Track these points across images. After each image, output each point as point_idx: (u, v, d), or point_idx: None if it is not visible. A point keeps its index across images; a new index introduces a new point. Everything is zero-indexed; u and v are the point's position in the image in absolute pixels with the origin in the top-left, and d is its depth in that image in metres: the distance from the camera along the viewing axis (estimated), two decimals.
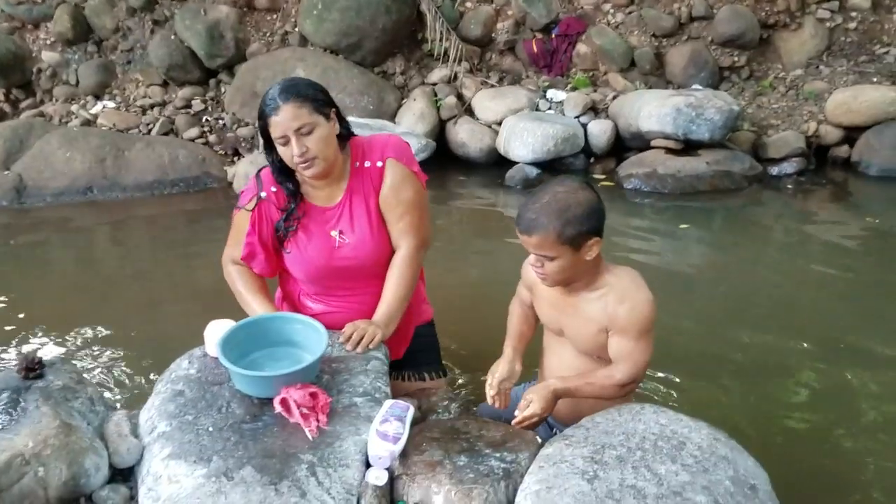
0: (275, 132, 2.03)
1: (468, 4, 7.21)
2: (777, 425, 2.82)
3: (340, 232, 2.20)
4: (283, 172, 2.16)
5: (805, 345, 3.36)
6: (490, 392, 2.04)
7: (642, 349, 1.88)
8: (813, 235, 5.08)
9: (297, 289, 2.38)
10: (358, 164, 2.20)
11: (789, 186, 5.92)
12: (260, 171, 2.26)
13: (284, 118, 1.99)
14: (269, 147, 2.12)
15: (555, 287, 1.95)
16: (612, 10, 7.09)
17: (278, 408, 1.82)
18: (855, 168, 6.08)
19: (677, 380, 3.02)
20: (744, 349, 3.34)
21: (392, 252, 2.26)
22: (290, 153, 2.04)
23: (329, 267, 2.22)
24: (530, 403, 1.90)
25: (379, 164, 2.18)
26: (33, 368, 1.89)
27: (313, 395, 1.84)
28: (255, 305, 2.23)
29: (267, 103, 2.03)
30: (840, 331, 3.49)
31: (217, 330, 2.07)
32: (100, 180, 6.06)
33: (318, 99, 2.05)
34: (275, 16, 7.24)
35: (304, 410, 1.80)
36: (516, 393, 2.15)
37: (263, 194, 2.21)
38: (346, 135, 2.18)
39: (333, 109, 2.11)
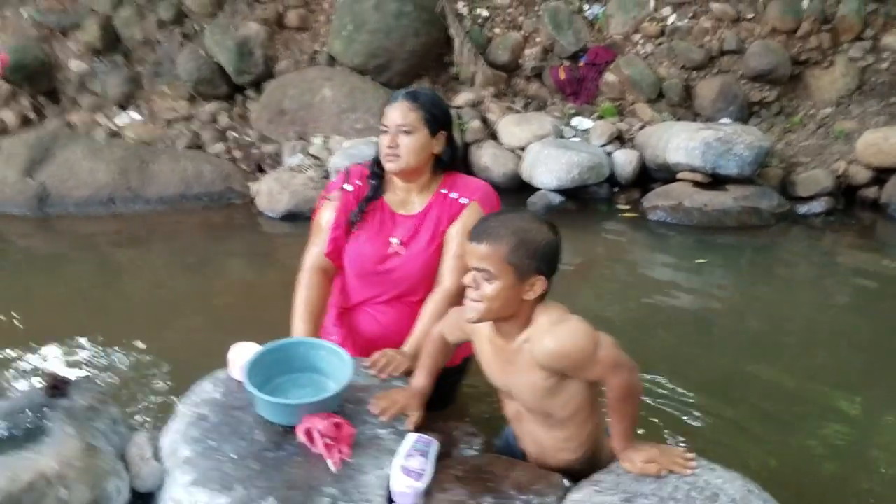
0: (384, 120, 2.22)
1: (496, 30, 7.22)
2: (809, 475, 2.75)
3: (401, 242, 2.29)
4: (377, 163, 2.31)
5: (831, 389, 3.29)
6: (383, 418, 1.94)
7: (604, 358, 1.71)
8: (840, 277, 5.00)
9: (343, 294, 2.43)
10: (445, 191, 2.30)
11: (817, 226, 5.83)
12: (350, 166, 2.43)
13: (395, 111, 2.20)
14: None
15: (474, 324, 1.81)
16: (641, 41, 7.06)
17: (301, 437, 1.79)
18: (884, 210, 5.97)
19: (702, 423, 2.96)
20: (770, 392, 3.27)
21: (434, 284, 2.29)
22: (384, 142, 2.22)
23: (375, 271, 2.30)
24: None
25: (463, 200, 2.27)
26: (58, 387, 1.88)
27: (338, 426, 1.80)
28: (298, 324, 2.26)
29: (394, 94, 2.27)
30: (867, 375, 3.43)
31: (241, 353, 2.05)
32: (123, 192, 6.06)
33: (432, 113, 2.22)
34: (304, 35, 7.27)
35: (328, 441, 1.76)
36: (508, 434, 2.10)
37: (349, 186, 2.34)
38: (446, 161, 2.31)
39: (444, 132, 2.27)
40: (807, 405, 3.18)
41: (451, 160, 2.33)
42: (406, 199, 2.32)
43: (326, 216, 2.35)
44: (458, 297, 2.19)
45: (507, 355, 1.81)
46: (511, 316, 1.76)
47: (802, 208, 5.98)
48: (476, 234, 1.72)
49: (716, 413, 3.06)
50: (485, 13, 7.26)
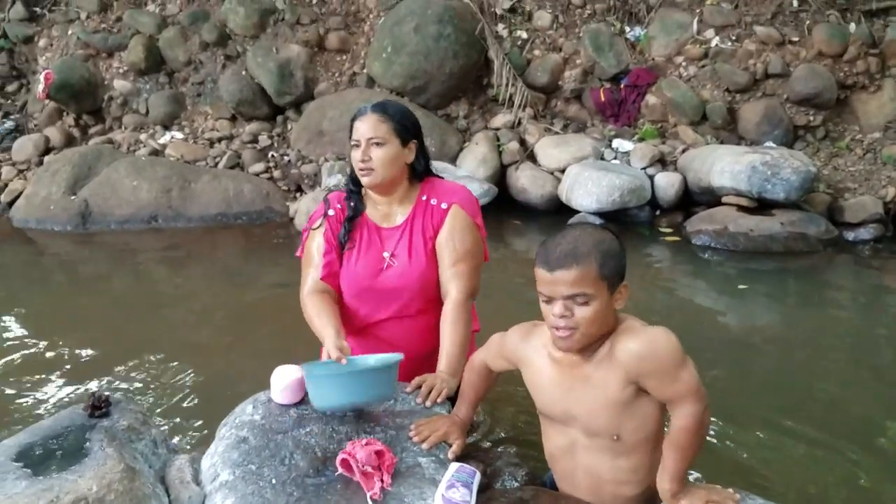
0: (354, 134, 2.21)
1: (536, 52, 7.20)
2: None
3: (392, 254, 2.26)
4: (353, 179, 2.31)
5: (876, 421, 3.16)
6: (424, 446, 1.88)
7: (688, 376, 1.62)
8: (888, 307, 4.83)
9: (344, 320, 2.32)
10: (425, 198, 2.29)
11: (866, 253, 5.66)
12: (327, 194, 2.40)
13: (364, 125, 2.19)
14: None
15: (568, 352, 1.71)
16: (684, 63, 6.99)
17: (340, 469, 1.73)
18: None
19: (747, 456, 2.86)
20: (816, 424, 3.13)
21: (434, 293, 2.28)
22: (355, 156, 2.21)
23: (372, 287, 2.27)
24: None
25: (444, 206, 2.26)
26: (100, 407, 1.86)
27: (378, 454, 1.74)
28: (325, 329, 2.13)
29: (360, 109, 2.25)
30: None
31: (283, 376, 2.02)
32: (165, 210, 6.12)
33: (402, 123, 2.22)
34: (344, 57, 7.33)
35: (369, 469, 1.70)
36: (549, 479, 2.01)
37: (331, 212, 2.33)
38: (421, 170, 2.31)
39: (415, 142, 2.27)
40: (851, 438, 3.04)
41: (425, 169, 2.32)
42: (388, 212, 2.31)
43: (316, 243, 2.32)
44: (467, 306, 2.23)
45: (578, 373, 1.72)
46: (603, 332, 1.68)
47: (850, 235, 5.82)
48: (557, 261, 1.62)
49: (759, 445, 2.95)
50: (524, 35, 7.25)
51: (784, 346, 4.06)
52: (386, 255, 2.26)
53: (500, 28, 7.23)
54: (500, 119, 6.87)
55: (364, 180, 2.23)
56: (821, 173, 6.13)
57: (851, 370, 3.77)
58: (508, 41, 7.19)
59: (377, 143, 2.17)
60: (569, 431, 1.81)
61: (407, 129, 2.23)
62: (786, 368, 3.75)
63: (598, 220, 5.82)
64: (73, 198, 6.19)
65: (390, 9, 7.17)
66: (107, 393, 1.94)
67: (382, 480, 1.70)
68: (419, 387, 2.10)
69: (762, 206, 5.67)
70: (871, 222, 5.81)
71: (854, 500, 2.68)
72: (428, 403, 2.05)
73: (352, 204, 2.31)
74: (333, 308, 2.25)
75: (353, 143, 2.22)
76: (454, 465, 1.76)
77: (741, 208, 5.69)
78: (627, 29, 7.22)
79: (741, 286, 4.94)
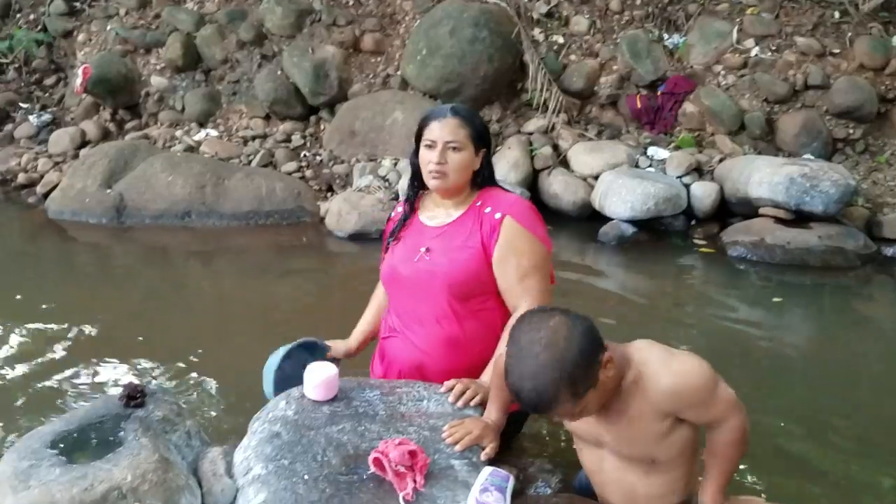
0: (429, 135, 2.20)
1: (572, 57, 7.15)
2: None
3: (427, 249, 2.25)
4: (415, 178, 2.33)
5: None
6: (457, 448, 1.85)
7: (724, 396, 1.60)
8: None
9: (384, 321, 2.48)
10: (480, 204, 2.25)
11: None
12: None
13: (445, 127, 2.18)
14: (417, 149, 2.27)
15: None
16: (723, 72, 6.89)
17: (372, 467, 1.73)
18: None
19: (789, 470, 2.82)
20: (855, 440, 3.09)
21: (463, 305, 2.21)
22: (428, 158, 2.19)
23: (400, 277, 2.28)
24: None
25: (497, 216, 2.20)
26: (135, 397, 1.88)
27: (412, 454, 1.73)
28: (362, 319, 2.56)
29: (437, 109, 2.26)
30: None
31: (317, 372, 2.03)
32: (198, 206, 6.15)
33: (479, 131, 2.23)
34: (379, 58, 7.34)
35: (402, 469, 1.69)
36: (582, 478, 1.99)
37: (392, 213, 2.45)
38: (484, 177, 2.30)
39: (484, 150, 2.27)
40: (892, 456, 2.98)
41: (488, 178, 2.31)
42: (440, 212, 2.31)
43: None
44: None
45: (609, 402, 1.67)
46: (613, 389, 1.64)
47: (889, 251, 5.68)
48: (531, 408, 1.59)
49: (796, 459, 2.91)
50: (560, 40, 7.21)
51: (821, 362, 3.99)
52: (422, 249, 2.25)
53: (537, 32, 7.19)
54: (534, 124, 6.80)
55: (434, 183, 2.22)
56: (860, 187, 6.01)
57: (890, 387, 3.68)
58: (544, 46, 7.15)
59: (455, 148, 2.17)
60: (600, 451, 1.78)
61: (482, 137, 2.24)
62: (823, 384, 3.68)
63: (631, 229, 5.77)
64: (108, 191, 6.25)
65: (426, 11, 7.17)
66: (143, 383, 1.95)
67: (415, 481, 1.69)
68: (452, 388, 2.07)
69: (799, 218, 5.57)
70: None
71: None
72: (460, 404, 2.02)
73: (409, 203, 2.37)
74: (375, 310, 2.52)
75: (427, 143, 2.20)
76: (488, 469, 1.75)
77: (778, 220, 5.58)
78: (666, 36, 7.13)
79: (776, 299, 4.85)
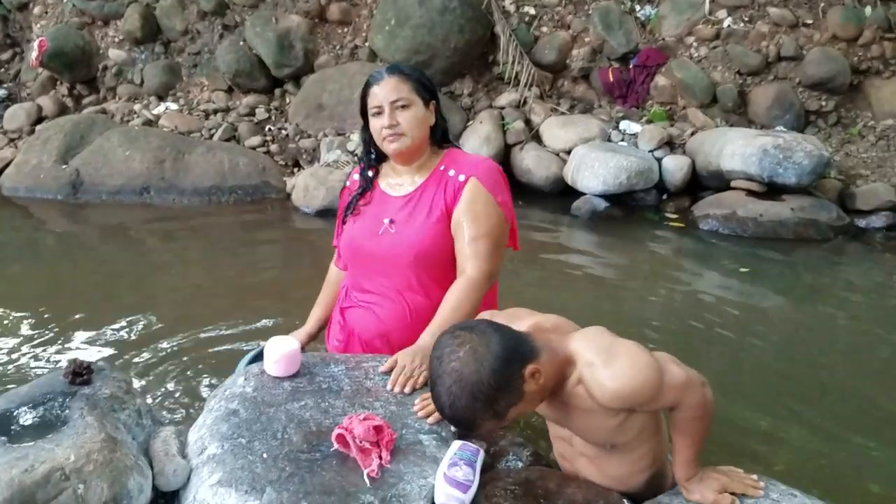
0: (372, 101, 2.10)
1: (544, 29, 7.04)
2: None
3: (391, 221, 2.15)
4: (369, 151, 2.24)
5: (886, 408, 3.10)
6: (429, 421, 1.78)
7: (673, 383, 1.53)
8: None
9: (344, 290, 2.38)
10: (443, 167, 2.16)
11: (877, 241, 5.55)
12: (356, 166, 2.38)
13: (385, 88, 2.07)
14: (366, 123, 2.17)
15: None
16: (695, 44, 6.84)
17: (335, 444, 1.64)
18: None
19: (757, 443, 2.78)
20: (821, 410, 3.09)
21: (430, 275, 2.14)
22: (380, 124, 2.09)
23: (364, 251, 2.19)
24: None
25: (461, 177, 2.12)
26: (80, 374, 1.79)
27: (378, 430, 1.64)
28: (315, 305, 2.43)
29: (373, 75, 2.13)
30: None
31: (277, 347, 1.95)
32: (157, 182, 5.99)
33: (421, 82, 2.12)
34: (346, 29, 7.16)
35: (366, 445, 1.61)
36: None
37: (347, 182, 2.33)
38: (441, 134, 2.21)
39: (434, 101, 2.16)
40: (858, 425, 2.97)
41: (444, 132, 2.23)
42: (401, 182, 2.20)
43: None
44: (483, 285, 2.06)
45: (559, 397, 1.62)
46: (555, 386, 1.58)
47: (862, 222, 5.72)
48: (462, 428, 1.57)
49: (761, 430, 2.89)
50: (532, 11, 7.08)
51: (791, 332, 3.99)
52: (386, 221, 2.15)
53: (508, 3, 7.05)
54: (506, 98, 6.71)
55: (393, 147, 2.11)
56: (832, 160, 6.01)
57: (858, 357, 3.70)
58: (516, 17, 7.02)
59: (403, 105, 2.07)
60: (566, 430, 1.75)
61: (427, 88, 2.14)
62: (791, 354, 3.68)
63: (604, 204, 5.71)
64: (64, 167, 6.05)
65: None
66: (88, 360, 1.85)
67: (381, 457, 1.61)
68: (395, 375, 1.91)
69: (772, 191, 5.56)
70: (884, 210, 5.71)
71: (861, 485, 2.61)
72: (396, 390, 1.87)
73: (367, 175, 2.25)
74: (330, 291, 2.41)
75: (373, 110, 2.10)
76: (457, 443, 1.67)
77: (750, 193, 5.57)
78: (638, 7, 7.05)
79: (743, 269, 4.84)
